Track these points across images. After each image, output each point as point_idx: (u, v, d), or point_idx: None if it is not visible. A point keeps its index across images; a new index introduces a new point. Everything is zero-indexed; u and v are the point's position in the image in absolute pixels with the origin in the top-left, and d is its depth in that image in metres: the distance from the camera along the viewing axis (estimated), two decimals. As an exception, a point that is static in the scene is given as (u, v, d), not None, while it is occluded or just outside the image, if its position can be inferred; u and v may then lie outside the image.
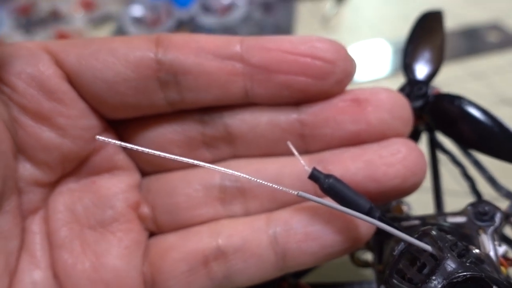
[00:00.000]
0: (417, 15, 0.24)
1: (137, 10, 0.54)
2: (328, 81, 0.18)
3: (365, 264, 0.24)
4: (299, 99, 0.19)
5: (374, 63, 0.46)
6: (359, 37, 0.50)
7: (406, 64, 0.23)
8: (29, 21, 0.57)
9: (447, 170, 0.30)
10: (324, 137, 0.19)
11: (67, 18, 0.57)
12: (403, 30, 0.25)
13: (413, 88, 0.22)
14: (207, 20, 0.52)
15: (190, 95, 0.19)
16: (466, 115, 0.20)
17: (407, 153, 0.18)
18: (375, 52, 0.48)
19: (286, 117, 0.19)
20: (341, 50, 0.18)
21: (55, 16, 0.57)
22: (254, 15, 0.53)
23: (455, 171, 0.24)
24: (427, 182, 0.21)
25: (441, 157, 0.25)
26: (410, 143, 0.18)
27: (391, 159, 0.18)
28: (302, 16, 0.55)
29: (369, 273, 0.26)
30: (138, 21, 0.54)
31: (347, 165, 0.18)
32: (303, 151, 0.19)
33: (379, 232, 0.19)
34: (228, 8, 0.53)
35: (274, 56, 0.18)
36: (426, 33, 0.24)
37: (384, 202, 0.19)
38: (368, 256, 0.24)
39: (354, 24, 0.53)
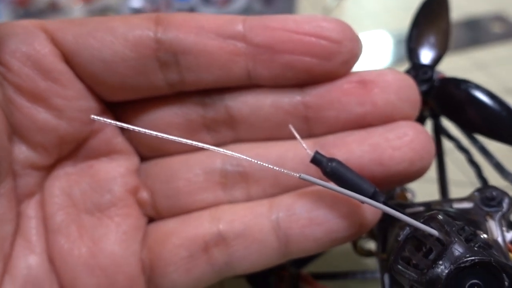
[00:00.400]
0: (417, 6, 0.23)
1: (136, 2, 0.54)
2: (333, 61, 0.18)
3: (368, 253, 0.23)
4: (304, 81, 0.19)
5: (375, 55, 0.46)
6: (360, 29, 0.49)
7: (411, 48, 0.23)
8: (27, 13, 0.56)
9: (451, 160, 0.30)
10: (328, 120, 0.19)
11: (66, 9, 0.56)
12: (404, 21, 0.24)
13: (418, 72, 0.21)
14: (207, 11, 0.52)
15: (190, 76, 0.18)
16: (472, 99, 0.20)
17: (414, 136, 0.18)
18: (376, 43, 0.47)
19: (290, 99, 0.19)
20: (348, 30, 0.18)
21: (53, 8, 0.57)
22: (254, 6, 0.52)
23: (460, 161, 0.23)
24: (431, 172, 0.20)
25: (445, 147, 0.24)
26: (417, 126, 0.18)
27: (398, 142, 0.18)
28: (303, 7, 0.54)
29: (372, 263, 0.26)
30: (137, 12, 0.53)
31: (352, 148, 0.18)
32: (307, 135, 0.19)
33: (383, 219, 0.19)
34: (228, 0, 0.53)
35: (278, 35, 0.18)
36: (431, 17, 0.23)
37: (390, 187, 0.19)
38: (371, 245, 0.23)
39: (355, 16, 0.53)
